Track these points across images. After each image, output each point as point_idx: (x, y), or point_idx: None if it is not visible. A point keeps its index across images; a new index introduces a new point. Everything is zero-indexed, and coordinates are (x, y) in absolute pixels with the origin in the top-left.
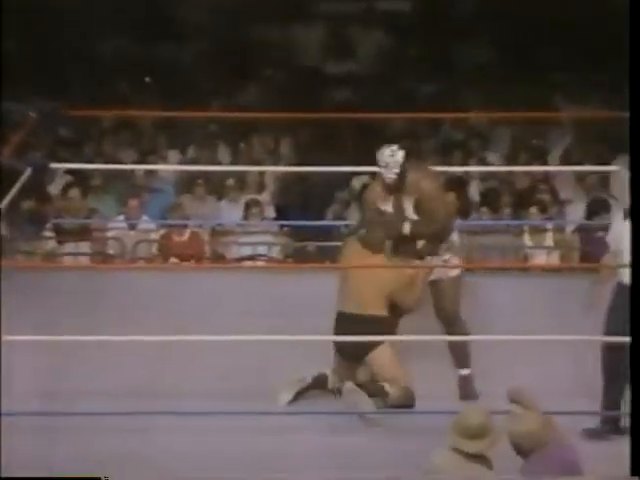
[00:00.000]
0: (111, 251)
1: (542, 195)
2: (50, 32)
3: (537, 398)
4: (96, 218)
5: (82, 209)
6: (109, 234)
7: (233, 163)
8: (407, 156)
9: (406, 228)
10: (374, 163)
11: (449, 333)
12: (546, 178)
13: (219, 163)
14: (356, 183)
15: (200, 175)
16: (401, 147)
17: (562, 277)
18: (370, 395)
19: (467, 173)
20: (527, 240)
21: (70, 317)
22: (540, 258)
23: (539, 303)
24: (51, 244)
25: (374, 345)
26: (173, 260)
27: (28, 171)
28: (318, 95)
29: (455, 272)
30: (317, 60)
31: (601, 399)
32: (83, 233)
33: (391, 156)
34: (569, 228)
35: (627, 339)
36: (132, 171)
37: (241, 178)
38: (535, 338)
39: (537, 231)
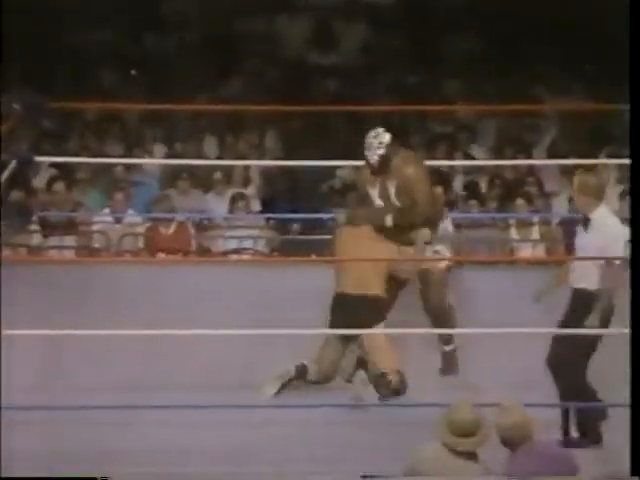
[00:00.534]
0: (96, 245)
1: (528, 187)
2: (34, 24)
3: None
4: (81, 212)
5: (67, 202)
6: (94, 227)
7: (219, 156)
8: (393, 140)
9: (388, 220)
10: (360, 156)
11: (434, 322)
12: (532, 171)
13: (205, 156)
14: (342, 174)
15: (185, 169)
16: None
17: (549, 269)
18: (375, 385)
19: (452, 167)
20: (514, 233)
21: (57, 311)
22: (526, 251)
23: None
24: (37, 237)
25: (369, 325)
26: (159, 254)
27: (13, 164)
28: (304, 87)
29: (443, 264)
30: (303, 52)
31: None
32: (68, 227)
33: (375, 137)
34: (554, 221)
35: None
36: (118, 164)
37: (227, 171)
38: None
39: (524, 224)
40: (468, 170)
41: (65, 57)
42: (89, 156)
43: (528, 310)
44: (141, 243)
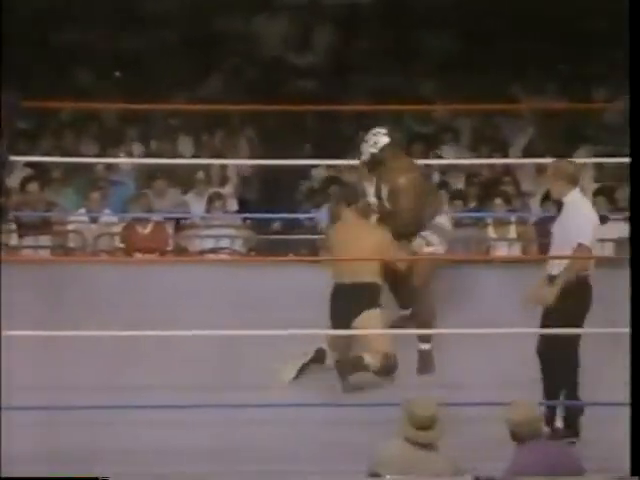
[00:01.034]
0: (72, 244)
1: (505, 187)
2: (10, 22)
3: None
4: (56, 211)
5: (40, 202)
6: (70, 227)
7: (196, 156)
8: (390, 144)
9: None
10: (337, 155)
11: (414, 311)
12: (508, 170)
13: (181, 156)
14: (317, 174)
15: (162, 168)
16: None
17: (526, 268)
18: (353, 370)
19: (428, 165)
20: (491, 232)
21: (36, 311)
22: (502, 250)
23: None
24: (13, 237)
25: (363, 309)
26: (136, 253)
27: None
28: (281, 87)
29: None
30: (280, 52)
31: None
32: (43, 226)
33: (373, 135)
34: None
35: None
36: (94, 164)
37: (205, 171)
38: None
39: (501, 223)
40: (444, 169)
41: (42, 56)
42: (64, 155)
43: (511, 309)
44: (118, 242)
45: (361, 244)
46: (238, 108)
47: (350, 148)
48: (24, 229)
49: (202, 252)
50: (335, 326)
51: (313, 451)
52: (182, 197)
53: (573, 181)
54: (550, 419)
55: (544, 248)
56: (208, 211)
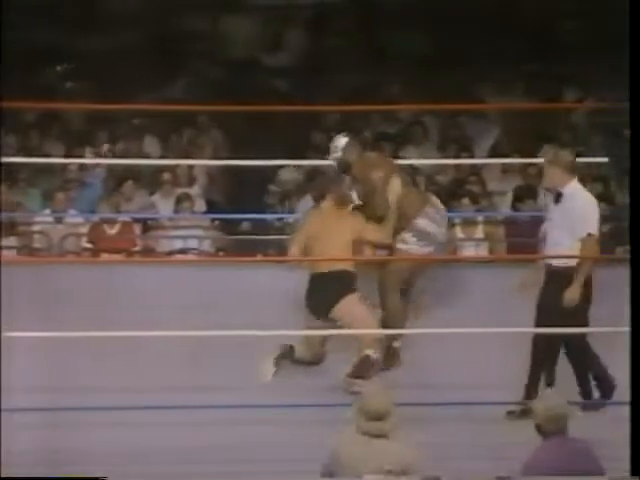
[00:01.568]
0: (38, 245)
1: (471, 187)
2: None
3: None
4: (21, 212)
5: (7, 203)
6: (35, 228)
7: (163, 157)
8: (351, 144)
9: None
10: (305, 155)
11: (383, 305)
12: (474, 170)
13: (148, 157)
14: (284, 175)
15: (129, 169)
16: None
17: (494, 267)
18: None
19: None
20: (459, 232)
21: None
22: (469, 250)
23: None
24: None
25: (340, 297)
26: (103, 254)
27: None
28: (249, 87)
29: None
30: (249, 52)
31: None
32: (8, 227)
33: (333, 142)
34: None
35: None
36: (60, 164)
37: (172, 172)
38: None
39: (468, 223)
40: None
41: (7, 56)
42: (29, 156)
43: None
44: (85, 242)
45: (336, 233)
46: (205, 108)
47: (321, 149)
48: None
49: (170, 253)
50: (312, 315)
51: (282, 451)
52: (149, 198)
53: (572, 170)
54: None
55: (512, 248)
56: (176, 212)
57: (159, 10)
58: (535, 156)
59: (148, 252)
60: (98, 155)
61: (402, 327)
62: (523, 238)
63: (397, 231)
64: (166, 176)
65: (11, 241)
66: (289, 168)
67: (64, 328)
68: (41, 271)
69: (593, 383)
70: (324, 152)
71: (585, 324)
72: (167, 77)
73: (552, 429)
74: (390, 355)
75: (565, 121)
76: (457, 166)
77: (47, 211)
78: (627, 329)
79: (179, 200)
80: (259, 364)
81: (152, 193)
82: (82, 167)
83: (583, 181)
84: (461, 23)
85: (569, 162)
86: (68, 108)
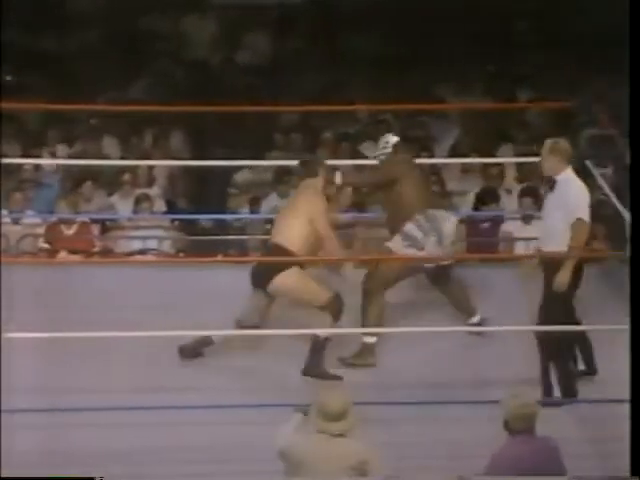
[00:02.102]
0: None
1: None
2: None
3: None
4: None
5: None
6: None
7: (122, 157)
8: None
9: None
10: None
11: (364, 305)
12: (434, 170)
13: (107, 157)
14: (240, 177)
15: (87, 170)
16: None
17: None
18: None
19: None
20: None
21: None
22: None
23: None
24: None
25: (279, 271)
26: (61, 254)
27: None
28: (211, 87)
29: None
30: (209, 52)
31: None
32: None
33: (384, 138)
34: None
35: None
36: (17, 165)
37: (131, 172)
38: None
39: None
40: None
41: None
42: None
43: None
44: (42, 243)
45: (292, 210)
46: (165, 109)
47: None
48: None
49: (130, 253)
50: (253, 285)
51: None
52: (108, 199)
53: (567, 159)
54: (548, 390)
55: (473, 247)
56: (135, 212)
57: (120, 9)
58: (494, 156)
59: (107, 253)
60: (54, 156)
61: (379, 327)
62: (483, 238)
63: (392, 230)
64: (126, 177)
65: None
66: (245, 170)
67: (23, 329)
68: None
69: (556, 380)
70: (285, 152)
71: (572, 309)
72: (128, 77)
73: (520, 426)
74: (363, 352)
75: (521, 120)
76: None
77: (4, 212)
78: (627, 327)
79: (138, 200)
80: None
81: (111, 194)
82: (38, 167)
83: (538, 180)
84: (420, 24)
85: (564, 150)
86: (25, 108)
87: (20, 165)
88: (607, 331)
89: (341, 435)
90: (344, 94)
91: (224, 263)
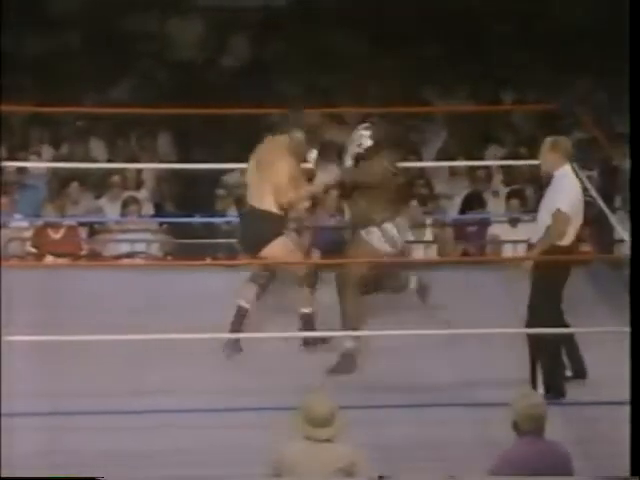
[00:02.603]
0: None
1: (419, 189)
2: None
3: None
4: None
5: None
6: None
7: (110, 160)
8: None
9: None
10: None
11: (342, 300)
12: (422, 173)
13: (93, 159)
14: (229, 178)
15: (74, 172)
16: None
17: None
18: None
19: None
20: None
21: None
22: (418, 252)
23: None
24: None
25: (269, 239)
26: (48, 257)
27: None
28: (194, 89)
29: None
30: (194, 53)
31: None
32: None
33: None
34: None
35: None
36: (1, 168)
37: (120, 175)
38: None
39: (417, 226)
40: None
41: None
42: None
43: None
44: (29, 246)
45: (262, 172)
46: (151, 111)
47: None
48: None
49: (117, 257)
50: (244, 251)
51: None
52: (96, 202)
53: (567, 155)
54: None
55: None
56: (122, 215)
57: (103, 11)
58: (482, 158)
59: (94, 256)
60: (39, 157)
61: (359, 327)
62: (471, 241)
63: (366, 222)
64: (115, 179)
65: None
66: (235, 172)
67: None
68: None
69: (541, 380)
70: None
71: (559, 310)
72: (113, 78)
73: (529, 427)
74: (344, 358)
75: (507, 122)
76: (405, 169)
77: None
78: (627, 329)
79: (125, 203)
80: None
81: (99, 196)
82: (21, 169)
83: (525, 183)
84: (406, 27)
85: (567, 148)
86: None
87: (3, 168)
88: (598, 333)
89: (328, 440)
90: (329, 96)
91: (212, 266)
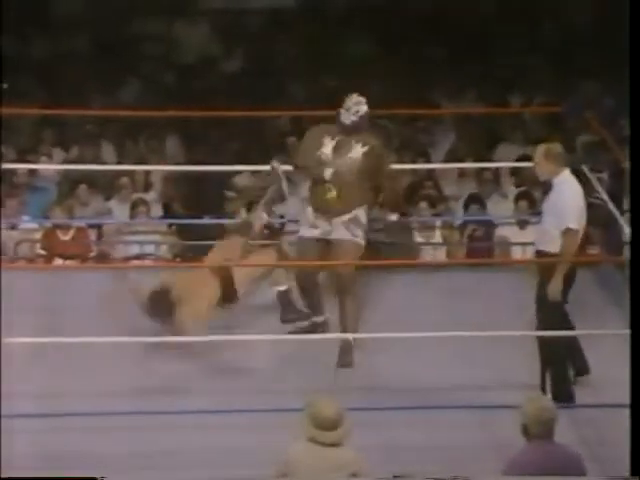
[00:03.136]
0: None
1: (428, 191)
2: None
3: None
4: None
5: None
6: None
7: (119, 162)
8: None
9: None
10: (259, 161)
11: (342, 299)
12: (430, 174)
13: (103, 162)
14: (239, 180)
15: (83, 175)
16: None
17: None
18: None
19: None
20: (417, 237)
21: None
22: (427, 254)
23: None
24: None
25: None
26: (57, 260)
27: None
28: (203, 92)
29: (357, 239)
30: (200, 56)
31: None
32: None
33: (356, 104)
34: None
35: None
36: (11, 170)
37: (129, 177)
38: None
39: (426, 227)
40: None
41: None
42: None
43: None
44: (39, 248)
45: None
46: (160, 114)
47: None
48: None
49: (126, 258)
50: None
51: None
52: (105, 203)
53: (562, 162)
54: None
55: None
56: (131, 217)
57: (111, 13)
58: (490, 160)
59: (103, 258)
60: (50, 159)
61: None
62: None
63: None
64: (123, 181)
65: None
66: (245, 174)
67: (22, 334)
68: None
69: (549, 384)
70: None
71: (563, 313)
72: (120, 81)
73: (539, 431)
74: (341, 354)
75: (515, 125)
76: (413, 170)
77: None
78: (627, 331)
79: (134, 205)
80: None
81: (108, 198)
82: (32, 171)
83: (533, 184)
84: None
85: (560, 154)
86: (20, 113)
87: (14, 170)
88: (603, 335)
89: (335, 444)
90: (338, 98)
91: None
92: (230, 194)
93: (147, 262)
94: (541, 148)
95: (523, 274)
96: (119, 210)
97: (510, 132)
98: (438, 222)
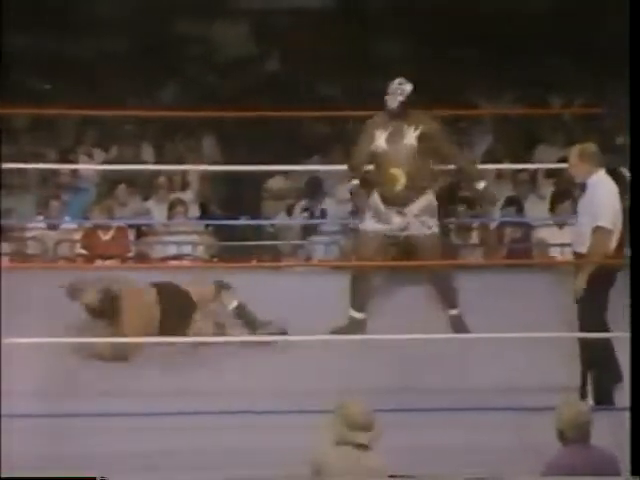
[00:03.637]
0: (31, 251)
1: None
2: None
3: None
4: (13, 218)
5: None
6: (29, 234)
7: (157, 162)
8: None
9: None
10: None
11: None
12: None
13: (142, 162)
14: (272, 183)
15: (122, 175)
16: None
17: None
18: None
19: None
20: (454, 238)
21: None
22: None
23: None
24: None
25: None
26: (97, 260)
27: None
28: (242, 92)
29: (432, 230)
30: (238, 56)
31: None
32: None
33: (399, 84)
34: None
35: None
36: (52, 170)
37: (166, 177)
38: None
39: (463, 229)
40: None
41: None
42: (21, 162)
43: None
44: (79, 248)
45: None
46: (198, 114)
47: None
48: None
49: (164, 259)
50: None
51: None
52: (144, 204)
53: (597, 163)
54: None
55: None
56: (169, 217)
57: (151, 14)
58: (528, 161)
59: (142, 258)
60: (91, 159)
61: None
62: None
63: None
64: (161, 180)
65: (4, 247)
66: (278, 177)
67: (58, 334)
68: (35, 277)
69: (590, 386)
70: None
71: (602, 316)
72: (160, 82)
73: (575, 435)
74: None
75: (555, 124)
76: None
77: (40, 218)
78: (627, 334)
79: (172, 205)
80: None
81: (146, 198)
82: (74, 172)
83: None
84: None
85: (594, 155)
86: (61, 114)
87: (56, 171)
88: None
89: (365, 446)
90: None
91: (258, 268)
92: (267, 195)
93: (185, 262)
94: (575, 149)
95: (561, 275)
96: (157, 210)
97: (550, 134)
98: (475, 223)
